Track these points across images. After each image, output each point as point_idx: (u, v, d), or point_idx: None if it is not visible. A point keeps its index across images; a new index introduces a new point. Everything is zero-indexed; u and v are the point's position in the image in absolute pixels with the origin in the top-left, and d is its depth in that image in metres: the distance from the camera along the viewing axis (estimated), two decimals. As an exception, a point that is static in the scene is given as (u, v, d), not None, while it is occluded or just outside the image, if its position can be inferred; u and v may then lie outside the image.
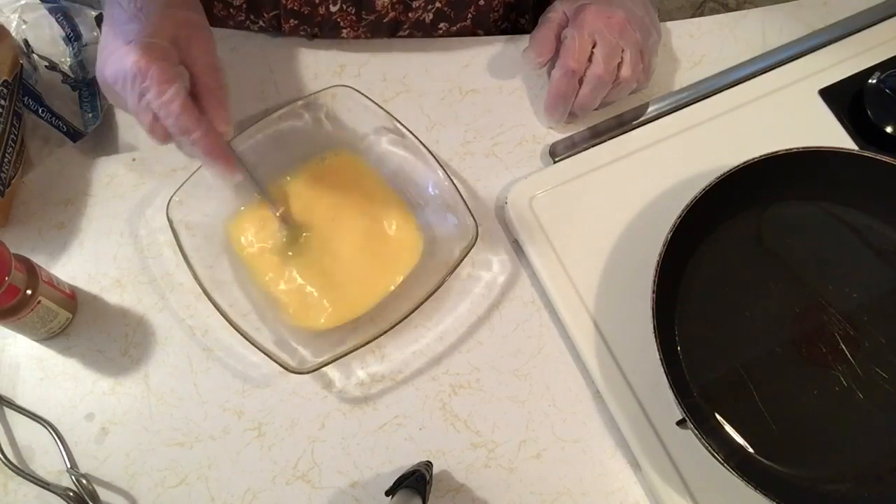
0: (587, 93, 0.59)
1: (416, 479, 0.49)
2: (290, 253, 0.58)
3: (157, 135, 0.51)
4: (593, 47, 0.58)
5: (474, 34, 0.70)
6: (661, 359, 0.49)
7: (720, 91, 0.63)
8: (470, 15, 0.68)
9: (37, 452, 0.54)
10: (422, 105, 0.64)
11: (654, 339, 0.49)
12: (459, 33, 0.69)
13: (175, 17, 0.51)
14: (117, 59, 0.49)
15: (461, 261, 0.54)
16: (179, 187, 0.57)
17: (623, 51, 0.58)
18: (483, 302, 0.58)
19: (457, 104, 0.65)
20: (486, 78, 0.66)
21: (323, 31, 0.66)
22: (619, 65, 0.58)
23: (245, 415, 0.55)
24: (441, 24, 0.67)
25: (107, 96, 0.53)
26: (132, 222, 0.60)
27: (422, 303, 0.53)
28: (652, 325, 0.50)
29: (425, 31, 0.68)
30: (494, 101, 0.65)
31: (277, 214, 0.57)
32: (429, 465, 0.51)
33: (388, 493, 0.49)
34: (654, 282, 0.50)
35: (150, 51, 0.48)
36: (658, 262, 0.51)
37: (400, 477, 0.50)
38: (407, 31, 0.67)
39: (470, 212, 0.55)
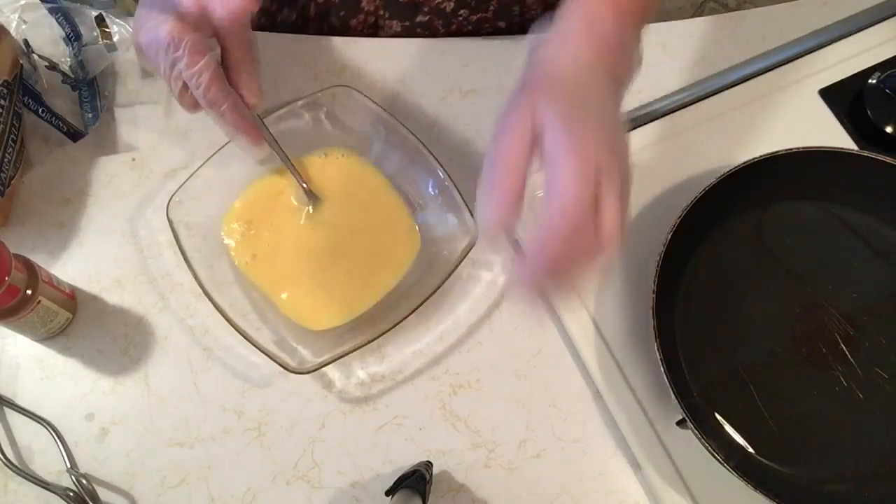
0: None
1: (416, 479, 0.49)
2: (302, 223, 0.58)
3: (185, 104, 0.52)
4: None
5: (495, 27, 0.69)
6: (660, 359, 0.49)
7: (720, 91, 0.63)
8: (492, 7, 0.67)
9: (37, 452, 0.54)
10: (422, 105, 0.64)
11: (654, 339, 0.49)
12: (479, 24, 0.68)
13: None
14: (152, 26, 0.49)
15: (461, 261, 0.54)
16: (179, 187, 0.57)
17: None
18: (483, 302, 0.58)
19: (457, 104, 0.64)
20: (486, 78, 0.65)
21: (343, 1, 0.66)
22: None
23: (245, 415, 0.55)
24: (461, 11, 0.66)
25: (140, 61, 0.53)
26: (132, 222, 0.60)
27: (422, 303, 0.53)
28: (652, 325, 0.50)
29: (445, 18, 0.67)
30: (494, 101, 0.65)
31: (305, 186, 0.57)
32: (429, 465, 0.51)
33: (388, 493, 0.49)
34: (654, 282, 0.50)
35: (185, 21, 0.49)
36: (658, 262, 0.51)
37: (400, 477, 0.50)
38: (427, 17, 0.66)
39: (470, 212, 0.55)
